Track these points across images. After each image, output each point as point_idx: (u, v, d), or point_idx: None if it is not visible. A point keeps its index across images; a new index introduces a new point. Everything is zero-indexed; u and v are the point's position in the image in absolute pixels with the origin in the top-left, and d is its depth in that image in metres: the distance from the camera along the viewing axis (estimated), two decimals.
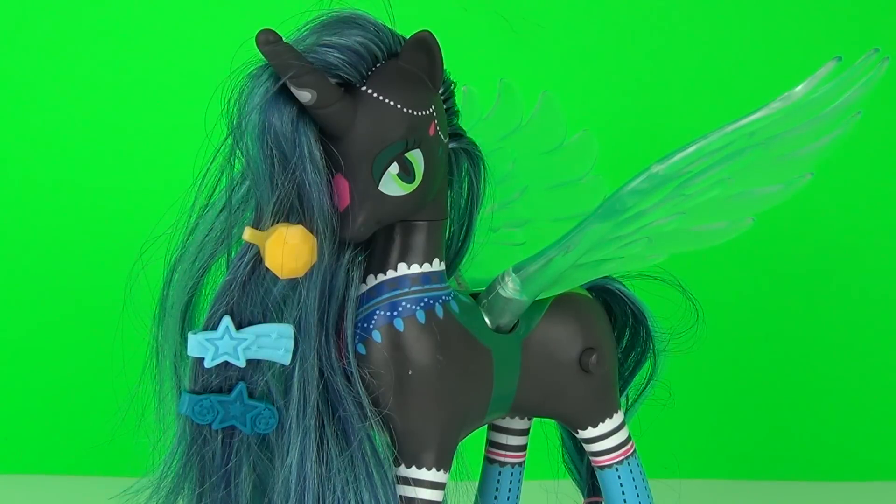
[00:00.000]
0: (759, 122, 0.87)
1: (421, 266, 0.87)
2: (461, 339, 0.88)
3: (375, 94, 0.82)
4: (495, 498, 1.03)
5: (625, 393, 1.04)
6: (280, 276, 0.81)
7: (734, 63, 1.53)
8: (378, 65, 0.83)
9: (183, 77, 1.50)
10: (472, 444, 0.93)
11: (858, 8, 1.53)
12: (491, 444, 1.04)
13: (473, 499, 1.03)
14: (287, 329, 0.83)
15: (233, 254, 0.83)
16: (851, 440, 1.56)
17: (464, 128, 0.90)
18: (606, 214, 0.87)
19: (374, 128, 0.82)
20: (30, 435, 1.53)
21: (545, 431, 1.07)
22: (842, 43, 1.49)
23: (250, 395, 0.84)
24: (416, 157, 0.84)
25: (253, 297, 0.82)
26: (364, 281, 0.87)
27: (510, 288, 0.90)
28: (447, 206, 0.89)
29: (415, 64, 0.84)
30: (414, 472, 0.87)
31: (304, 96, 0.80)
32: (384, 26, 0.84)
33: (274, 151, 0.80)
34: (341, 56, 0.81)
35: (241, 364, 0.82)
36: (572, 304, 0.96)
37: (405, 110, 0.83)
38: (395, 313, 0.86)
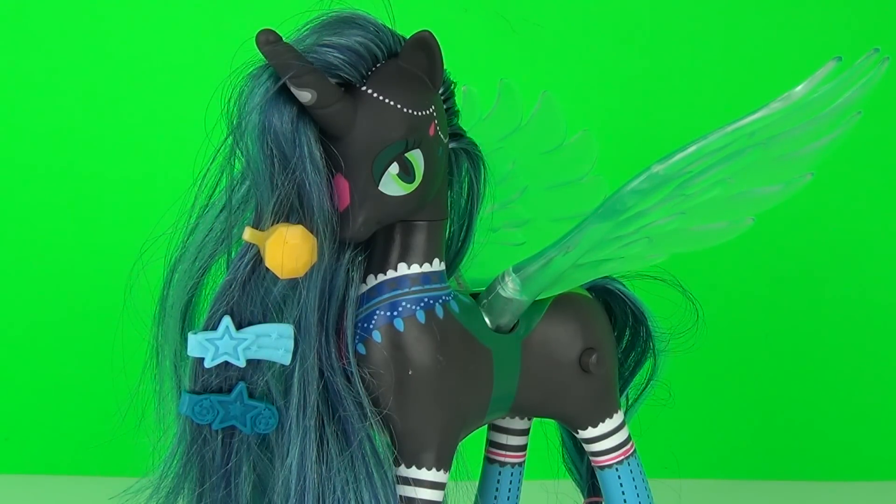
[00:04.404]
0: (759, 122, 0.86)
1: (421, 266, 0.87)
2: (461, 340, 0.88)
3: (375, 94, 0.82)
4: (495, 498, 1.03)
5: (625, 393, 1.04)
6: (280, 276, 0.81)
7: (734, 63, 1.53)
8: (378, 65, 0.83)
9: (183, 77, 1.50)
10: (472, 444, 0.93)
11: (858, 8, 1.53)
12: (491, 444, 1.04)
13: (473, 499, 1.03)
14: (287, 329, 0.83)
15: (233, 254, 0.83)
16: (852, 440, 1.56)
17: (464, 128, 0.90)
18: (606, 214, 0.87)
19: (374, 128, 0.82)
20: (30, 435, 1.53)
21: (545, 431, 1.07)
22: (842, 43, 1.49)
23: (250, 395, 0.84)
24: (416, 157, 0.84)
25: (253, 297, 0.82)
26: (364, 281, 0.87)
27: (510, 288, 0.90)
28: (447, 206, 0.89)
29: (415, 64, 0.84)
30: (414, 472, 0.87)
31: (304, 96, 0.80)
32: (384, 26, 0.84)
33: (274, 151, 0.80)
34: (341, 56, 0.81)
35: (241, 364, 0.82)
36: (572, 304, 0.96)
37: (405, 110, 0.83)
38: (396, 313, 0.86)
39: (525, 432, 1.03)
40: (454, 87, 0.88)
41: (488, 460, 1.04)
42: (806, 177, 0.84)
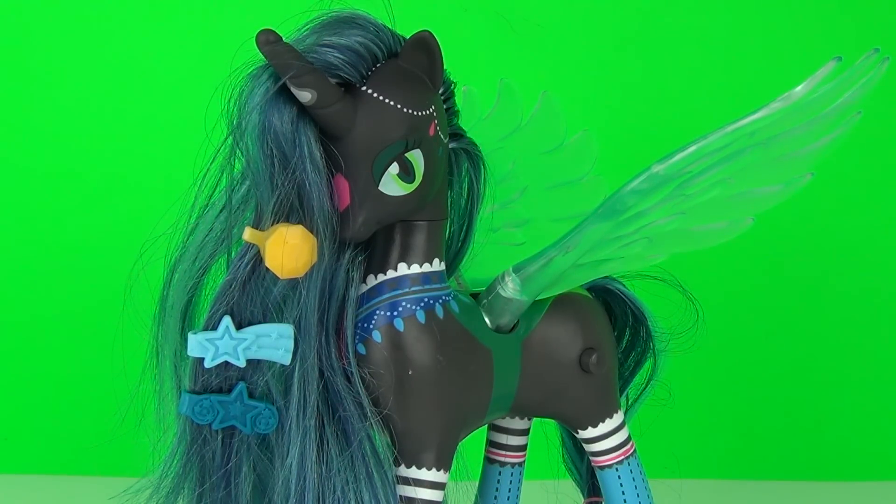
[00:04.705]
0: (760, 122, 0.86)
1: (421, 266, 0.87)
2: (461, 339, 0.88)
3: (375, 94, 0.82)
4: (495, 498, 1.03)
5: (625, 393, 1.04)
6: (280, 276, 0.81)
7: (734, 63, 1.53)
8: (378, 65, 0.83)
9: (183, 77, 1.50)
10: (472, 444, 0.93)
11: (858, 8, 1.53)
12: (491, 444, 1.04)
13: (473, 499, 1.03)
14: (287, 329, 0.83)
15: (233, 254, 0.83)
16: (851, 440, 1.56)
17: (464, 128, 0.90)
18: (606, 214, 0.87)
19: (374, 128, 0.82)
20: (30, 435, 1.53)
21: (545, 431, 1.07)
22: (842, 43, 1.49)
23: (250, 395, 0.84)
24: (416, 157, 0.84)
25: (253, 297, 0.82)
26: (364, 281, 0.87)
27: (510, 288, 0.90)
28: (447, 206, 0.89)
29: (415, 64, 0.84)
30: (414, 472, 0.87)
31: (305, 96, 0.80)
32: (384, 26, 0.84)
33: (274, 151, 0.80)
34: (341, 56, 0.81)
35: (241, 364, 0.82)
36: (572, 304, 0.96)
37: (405, 110, 0.83)
38: (396, 313, 0.86)
39: (525, 432, 1.03)
40: (454, 87, 0.88)
41: (488, 460, 1.04)
42: (806, 177, 0.84)
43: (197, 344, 0.81)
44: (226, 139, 0.82)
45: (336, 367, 0.84)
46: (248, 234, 0.81)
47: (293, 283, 0.82)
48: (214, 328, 0.82)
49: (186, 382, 0.83)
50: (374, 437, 0.86)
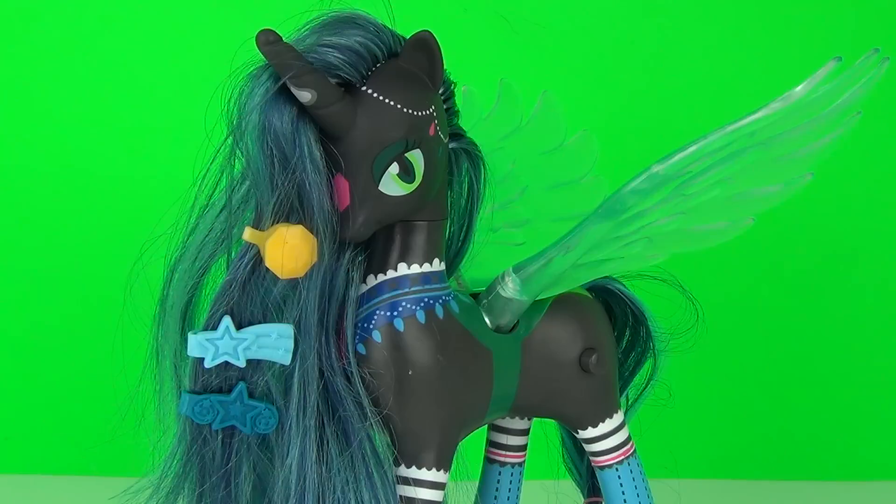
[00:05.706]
0: (760, 122, 0.87)
1: (421, 266, 0.87)
2: (461, 340, 0.88)
3: (375, 94, 0.82)
4: (495, 498, 1.03)
5: (625, 393, 1.04)
6: (280, 276, 0.81)
7: (734, 63, 1.53)
8: (378, 65, 0.83)
9: (183, 77, 1.50)
10: (472, 444, 0.93)
11: (858, 8, 1.53)
12: (491, 444, 1.04)
13: (473, 499, 1.03)
14: (287, 329, 0.83)
15: (233, 254, 0.83)
16: (851, 440, 1.56)
17: (464, 128, 0.90)
18: (606, 214, 0.87)
19: (374, 128, 0.82)
20: (30, 435, 1.53)
21: (545, 431, 1.07)
22: (842, 43, 1.49)
23: (250, 395, 0.84)
24: (416, 157, 0.84)
25: (253, 297, 0.82)
26: (364, 281, 0.87)
27: (510, 288, 0.90)
28: (447, 206, 0.89)
29: (415, 64, 0.84)
30: (414, 472, 0.87)
31: (305, 96, 0.80)
32: (384, 26, 0.84)
33: (274, 151, 0.80)
34: (341, 56, 0.81)
35: (241, 364, 0.82)
36: (572, 304, 0.96)
37: (405, 110, 0.83)
38: (396, 313, 0.86)
39: (525, 432, 1.03)
40: (454, 87, 0.88)
41: (488, 460, 1.04)
42: (806, 177, 0.84)
43: (197, 344, 0.81)
44: (226, 139, 0.82)
45: (336, 368, 0.84)
46: (248, 234, 0.81)
47: (293, 283, 0.82)
48: (214, 328, 0.82)
49: (186, 382, 0.83)
50: (374, 437, 0.86)
